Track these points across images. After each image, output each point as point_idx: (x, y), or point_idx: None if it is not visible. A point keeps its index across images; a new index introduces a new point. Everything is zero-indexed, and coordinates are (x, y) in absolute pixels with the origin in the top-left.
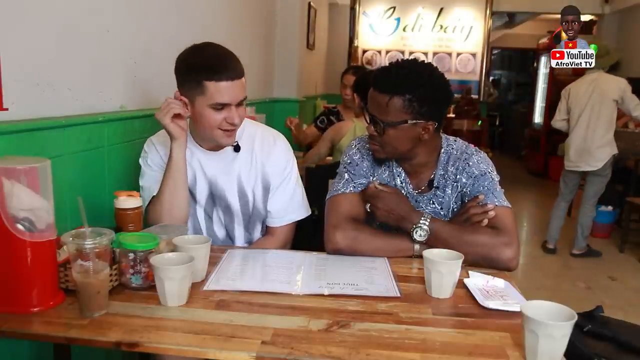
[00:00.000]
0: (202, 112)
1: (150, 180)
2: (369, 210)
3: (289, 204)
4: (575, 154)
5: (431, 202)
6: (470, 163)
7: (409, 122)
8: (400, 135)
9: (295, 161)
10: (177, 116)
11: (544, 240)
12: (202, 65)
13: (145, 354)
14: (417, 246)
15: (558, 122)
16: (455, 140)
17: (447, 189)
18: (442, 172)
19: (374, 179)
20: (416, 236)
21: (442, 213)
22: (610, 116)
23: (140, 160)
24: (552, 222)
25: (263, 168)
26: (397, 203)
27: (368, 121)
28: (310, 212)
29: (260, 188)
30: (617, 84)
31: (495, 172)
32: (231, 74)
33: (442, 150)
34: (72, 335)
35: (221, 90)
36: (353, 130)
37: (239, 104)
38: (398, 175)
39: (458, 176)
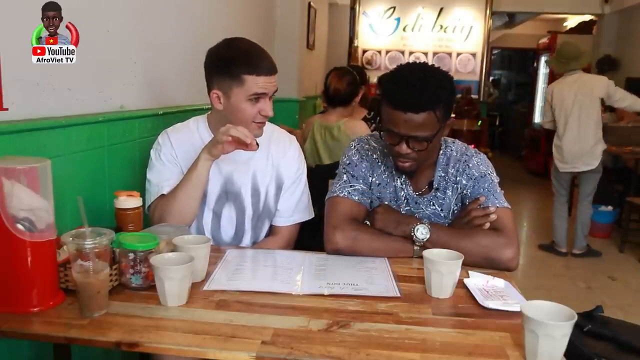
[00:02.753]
0: (239, 105)
1: (159, 175)
2: (367, 223)
3: (297, 205)
4: (570, 156)
5: (431, 203)
6: (470, 165)
7: (443, 126)
8: (437, 142)
9: (306, 165)
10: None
11: (549, 243)
12: (241, 59)
13: (145, 354)
14: (416, 247)
15: (547, 124)
16: (454, 142)
17: (447, 191)
18: (442, 174)
19: (374, 179)
20: (418, 234)
21: (442, 215)
22: (598, 115)
23: (152, 152)
24: (558, 225)
25: (278, 167)
26: (391, 212)
27: (393, 142)
28: (313, 215)
29: (274, 186)
30: (601, 82)
31: (495, 174)
32: (270, 70)
33: (441, 151)
34: (72, 335)
35: (260, 82)
36: (312, 126)
37: (271, 97)
38: (398, 177)
39: (458, 178)
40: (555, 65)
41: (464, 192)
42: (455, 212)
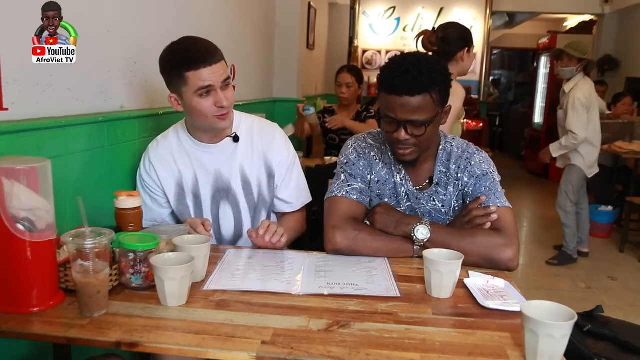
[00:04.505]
0: (191, 102)
1: (147, 213)
2: (367, 222)
3: (299, 189)
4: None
5: (432, 199)
6: (472, 162)
7: (440, 112)
8: (435, 128)
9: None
10: None
11: (560, 251)
12: (180, 59)
13: (145, 354)
14: (416, 247)
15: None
16: (454, 138)
17: (449, 187)
18: (443, 170)
19: (372, 176)
20: (418, 235)
21: (443, 211)
22: None
23: (138, 178)
24: (575, 231)
25: (265, 155)
26: (391, 212)
27: (391, 129)
28: (311, 198)
29: (265, 175)
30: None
31: (496, 173)
32: (209, 60)
33: (440, 146)
34: (72, 335)
35: (202, 76)
36: None
37: (225, 86)
38: (398, 173)
39: (460, 175)
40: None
41: (465, 190)
42: (457, 209)
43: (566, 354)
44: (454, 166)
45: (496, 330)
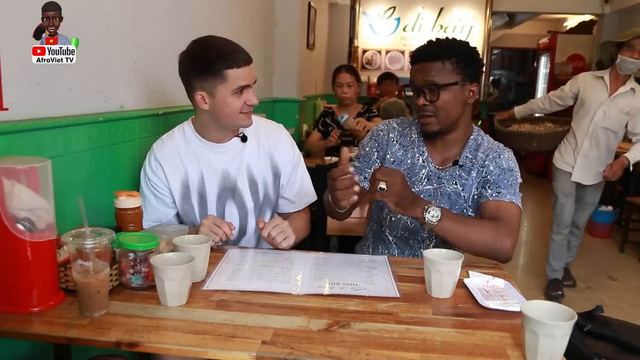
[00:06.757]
0: (225, 100)
1: (151, 213)
2: (378, 189)
3: (304, 189)
4: None
5: (454, 181)
6: (502, 157)
7: (459, 83)
8: (453, 98)
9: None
10: None
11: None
12: (218, 55)
13: (145, 354)
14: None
15: None
16: (486, 135)
17: (472, 172)
18: (469, 155)
19: (388, 156)
20: (429, 216)
21: (462, 195)
22: None
23: (142, 177)
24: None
25: (272, 155)
26: (405, 187)
27: (414, 98)
28: (316, 197)
29: (271, 174)
30: None
31: (519, 174)
32: (247, 59)
33: (472, 136)
34: (72, 335)
35: (241, 74)
36: None
37: (252, 85)
38: (420, 155)
39: (487, 162)
40: None
41: (488, 177)
42: (475, 197)
43: (566, 354)
44: (482, 154)
45: (496, 330)
